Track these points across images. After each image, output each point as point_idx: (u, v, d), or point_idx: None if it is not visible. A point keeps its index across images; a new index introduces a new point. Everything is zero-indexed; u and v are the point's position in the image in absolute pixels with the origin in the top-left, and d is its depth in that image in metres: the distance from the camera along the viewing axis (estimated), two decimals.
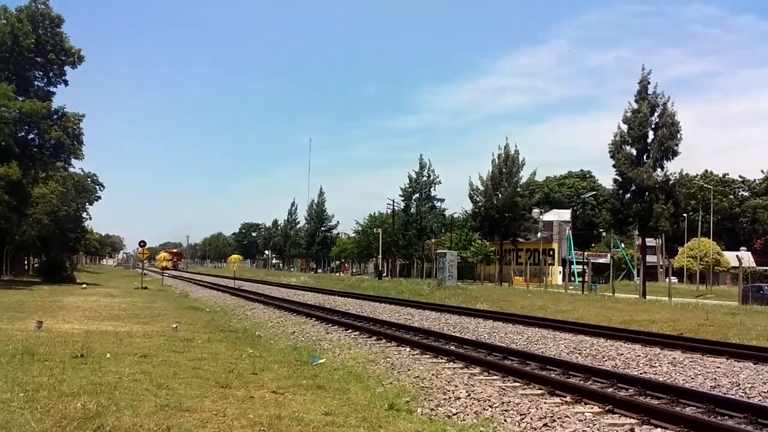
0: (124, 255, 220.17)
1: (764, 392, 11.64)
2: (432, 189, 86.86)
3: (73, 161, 53.53)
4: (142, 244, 55.21)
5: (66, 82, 51.42)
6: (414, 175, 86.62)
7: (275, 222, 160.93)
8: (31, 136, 48.59)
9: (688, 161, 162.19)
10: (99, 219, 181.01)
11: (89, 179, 78.28)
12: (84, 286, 46.41)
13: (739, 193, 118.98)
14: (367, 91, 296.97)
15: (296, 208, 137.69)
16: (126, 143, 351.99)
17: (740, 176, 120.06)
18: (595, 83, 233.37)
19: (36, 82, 51.08)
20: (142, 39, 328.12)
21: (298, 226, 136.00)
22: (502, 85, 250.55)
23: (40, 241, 66.88)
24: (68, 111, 49.92)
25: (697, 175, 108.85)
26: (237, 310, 29.63)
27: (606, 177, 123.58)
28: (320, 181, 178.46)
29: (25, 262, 76.11)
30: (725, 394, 11.36)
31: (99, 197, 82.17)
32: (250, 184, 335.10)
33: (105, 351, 13.48)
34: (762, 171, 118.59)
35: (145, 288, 46.13)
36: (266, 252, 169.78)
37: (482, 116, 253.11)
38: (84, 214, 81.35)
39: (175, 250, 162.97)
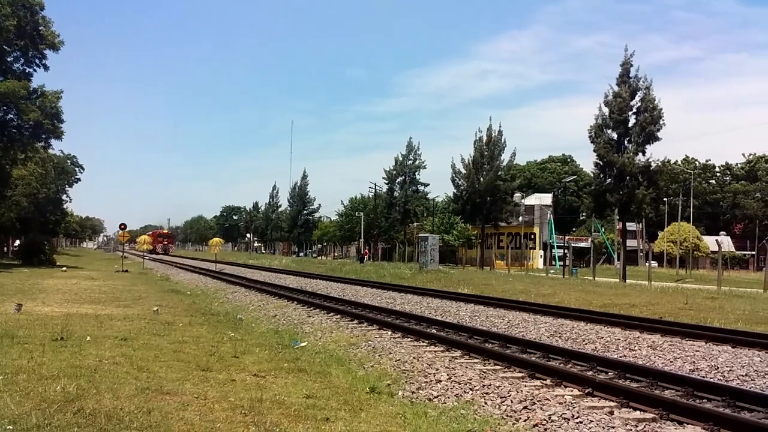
0: (105, 238, 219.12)
1: (742, 375, 11.74)
2: (417, 173, 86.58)
3: (53, 143, 53.05)
4: (123, 227, 54.90)
5: (46, 67, 50.83)
6: (401, 158, 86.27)
7: (256, 205, 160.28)
8: (10, 116, 48.01)
9: (669, 146, 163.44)
10: (79, 201, 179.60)
11: (69, 161, 77.84)
12: (64, 268, 46.15)
13: (720, 178, 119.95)
14: (350, 75, 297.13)
15: (278, 192, 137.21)
16: (106, 126, 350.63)
17: (726, 162, 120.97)
18: (577, 68, 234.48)
19: (15, 65, 50.43)
20: (122, 21, 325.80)
21: (279, 209, 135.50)
22: (484, 69, 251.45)
23: (19, 224, 66.40)
24: (47, 90, 49.42)
25: (678, 160, 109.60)
26: (218, 294, 29.59)
27: (587, 162, 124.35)
28: (302, 165, 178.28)
29: (4, 245, 75.54)
30: (704, 377, 11.46)
31: (79, 179, 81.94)
32: (231, 167, 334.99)
33: (85, 334, 13.43)
34: (743, 155, 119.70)
35: (126, 271, 45.96)
36: (248, 235, 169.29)
37: (463, 101, 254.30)
38: (64, 197, 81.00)
39: (165, 231, 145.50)
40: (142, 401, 7.99)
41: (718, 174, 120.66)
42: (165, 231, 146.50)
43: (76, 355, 10.96)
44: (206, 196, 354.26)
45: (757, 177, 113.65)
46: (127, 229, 57.17)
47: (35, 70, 50.68)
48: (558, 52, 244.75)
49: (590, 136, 45.63)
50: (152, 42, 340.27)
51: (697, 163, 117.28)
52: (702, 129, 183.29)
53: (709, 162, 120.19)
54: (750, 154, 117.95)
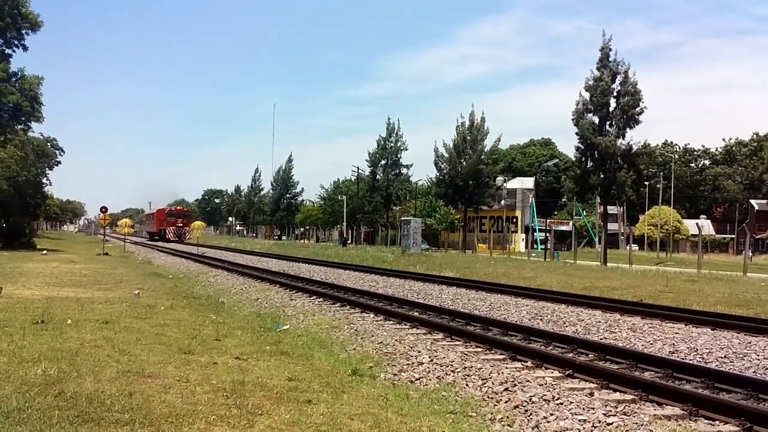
0: (86, 221, 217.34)
1: (721, 357, 11.86)
2: (399, 155, 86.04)
3: (33, 125, 52.55)
4: (104, 209, 54.50)
5: (25, 47, 50.19)
6: (382, 141, 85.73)
7: (238, 188, 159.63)
8: None
9: (648, 130, 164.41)
10: (59, 184, 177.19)
11: (49, 144, 77.13)
12: (44, 252, 45.86)
13: (700, 162, 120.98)
14: (330, 58, 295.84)
15: (260, 175, 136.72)
16: (86, 109, 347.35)
17: (702, 146, 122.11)
18: (556, 53, 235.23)
19: None
20: (103, 3, 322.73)
21: (261, 192, 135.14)
22: (464, 53, 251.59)
23: None
24: (27, 74, 48.92)
25: (658, 144, 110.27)
26: (200, 277, 29.50)
27: (567, 145, 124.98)
28: (284, 149, 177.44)
29: None
30: (683, 359, 11.57)
31: (59, 162, 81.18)
32: (212, 151, 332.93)
33: (66, 317, 13.35)
34: (723, 140, 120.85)
35: (107, 254, 45.70)
36: (230, 219, 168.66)
37: (444, 84, 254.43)
38: (44, 180, 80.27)
39: (179, 208, 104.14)
40: (124, 384, 7.97)
41: (697, 158, 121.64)
42: (179, 207, 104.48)
43: (56, 339, 10.91)
44: (187, 179, 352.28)
45: (734, 161, 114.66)
46: (109, 212, 56.74)
47: (14, 51, 50.12)
48: (537, 37, 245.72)
49: (573, 119, 45.87)
50: (133, 25, 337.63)
51: (677, 147, 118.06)
52: (681, 113, 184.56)
53: (688, 146, 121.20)
54: (729, 139, 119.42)
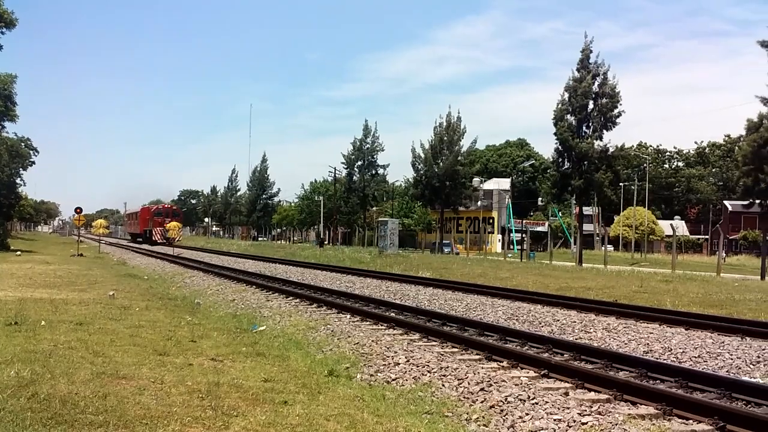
0: (60, 222, 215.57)
1: (695, 357, 11.97)
2: (375, 156, 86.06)
3: (7, 124, 52.00)
4: (78, 210, 54.01)
5: None
6: (358, 142, 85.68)
7: (214, 189, 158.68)
8: None
9: (622, 131, 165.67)
10: (34, 185, 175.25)
11: (23, 144, 76.33)
12: (18, 253, 45.40)
13: (674, 164, 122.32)
14: (309, 59, 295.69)
15: (237, 175, 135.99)
16: (63, 108, 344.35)
17: (675, 147, 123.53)
18: (532, 54, 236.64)
19: None
20: (76, 2, 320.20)
21: (238, 193, 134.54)
22: (441, 55, 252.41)
23: None
24: (1, 72, 48.42)
25: (633, 145, 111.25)
26: (176, 278, 29.34)
27: (543, 146, 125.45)
28: (261, 149, 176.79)
29: None
30: (657, 359, 11.66)
31: (33, 162, 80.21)
32: (188, 151, 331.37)
33: (40, 318, 13.24)
34: (695, 142, 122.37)
35: (82, 255, 45.32)
36: (206, 219, 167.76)
37: (421, 85, 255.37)
38: (18, 180, 79.39)
39: (167, 206, 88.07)
40: (98, 386, 7.91)
41: (670, 159, 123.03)
42: (168, 205, 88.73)
43: (30, 340, 10.81)
44: (163, 180, 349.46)
45: (707, 162, 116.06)
46: (83, 213, 56.22)
47: None
48: (513, 38, 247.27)
49: (554, 120, 46.04)
50: (109, 24, 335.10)
51: (650, 148, 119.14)
52: (654, 115, 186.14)
53: (661, 147, 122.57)
54: (701, 141, 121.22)
